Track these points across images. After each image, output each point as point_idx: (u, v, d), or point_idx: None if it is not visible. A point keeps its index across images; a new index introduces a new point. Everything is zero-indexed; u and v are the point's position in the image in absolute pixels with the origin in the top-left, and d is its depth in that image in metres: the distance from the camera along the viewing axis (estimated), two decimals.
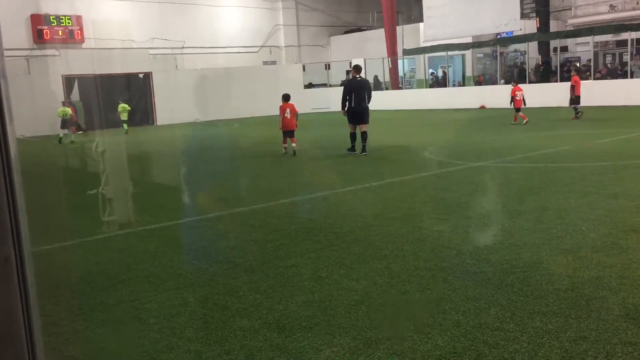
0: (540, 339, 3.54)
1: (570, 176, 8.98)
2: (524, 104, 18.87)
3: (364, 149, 13.12)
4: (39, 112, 26.20)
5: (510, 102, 19.09)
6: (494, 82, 30.08)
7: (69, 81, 29.02)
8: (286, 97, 14.40)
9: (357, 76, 13.46)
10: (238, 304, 4.45)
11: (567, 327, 3.67)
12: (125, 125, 24.65)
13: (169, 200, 9.51)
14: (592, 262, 4.87)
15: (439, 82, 32.93)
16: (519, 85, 19.84)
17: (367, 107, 13.37)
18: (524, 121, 18.15)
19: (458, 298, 4.27)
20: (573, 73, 20.75)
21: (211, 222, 7.59)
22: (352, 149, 13.36)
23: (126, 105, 25.31)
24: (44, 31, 29.62)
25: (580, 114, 18.92)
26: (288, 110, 14.03)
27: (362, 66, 33.50)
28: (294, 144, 13.97)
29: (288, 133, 14.03)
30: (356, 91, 13.22)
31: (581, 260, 4.93)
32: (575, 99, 19.19)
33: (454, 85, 33.26)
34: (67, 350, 3.88)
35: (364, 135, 13.20)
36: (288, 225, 6.97)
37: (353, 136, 13.36)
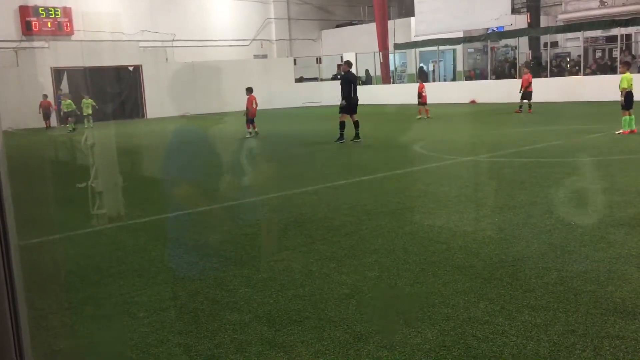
0: (529, 333, 3.56)
1: (560, 171, 9.02)
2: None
3: (358, 136, 14.14)
4: (27, 104, 25.99)
5: (418, 98, 20.81)
6: (485, 77, 30.15)
7: (58, 73, 28.79)
8: (251, 90, 17.30)
9: (350, 70, 14.80)
10: (228, 297, 4.45)
11: (556, 321, 3.70)
12: (86, 121, 24.69)
13: (159, 193, 9.46)
14: (581, 257, 4.90)
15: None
16: (424, 83, 22.45)
17: None
18: (427, 116, 20.24)
19: (448, 292, 4.29)
20: (526, 70, 21.77)
21: (201, 216, 7.57)
22: (342, 137, 14.17)
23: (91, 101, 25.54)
24: (33, 23, 29.34)
25: (520, 108, 20.33)
26: (254, 101, 17.24)
27: (354, 60, 33.72)
28: (256, 129, 17.27)
29: (252, 120, 17.08)
30: (354, 83, 14.51)
31: (570, 255, 4.96)
32: (526, 94, 20.45)
33: (444, 80, 33.28)
34: (55, 344, 3.87)
35: (357, 123, 14.20)
36: (280, 219, 6.97)
37: (343, 125, 14.24)
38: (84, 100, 24.66)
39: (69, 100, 24.21)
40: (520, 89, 20.43)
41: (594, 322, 3.65)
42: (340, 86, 14.58)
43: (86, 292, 4.77)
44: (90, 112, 24.63)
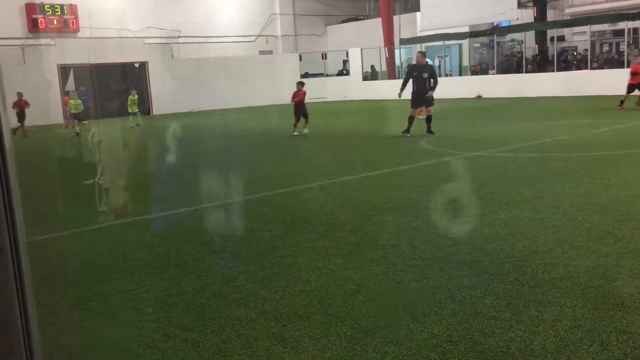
0: (535, 328, 3.56)
1: (566, 166, 8.99)
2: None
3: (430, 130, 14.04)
4: (34, 101, 26.02)
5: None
6: (492, 72, 30.03)
7: (64, 71, 28.86)
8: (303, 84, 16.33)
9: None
10: (235, 293, 4.46)
11: (563, 316, 3.69)
12: (131, 118, 23.63)
13: (166, 190, 9.49)
14: (588, 251, 4.88)
15: None
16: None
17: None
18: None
19: (454, 287, 4.29)
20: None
21: (207, 212, 7.59)
22: (408, 131, 14.00)
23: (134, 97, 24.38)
24: (39, 20, 29.40)
25: (622, 103, 17.53)
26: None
27: (359, 56, 33.36)
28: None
29: (303, 115, 15.71)
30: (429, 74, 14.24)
31: (577, 250, 4.95)
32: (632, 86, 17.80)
33: (450, 75, 33.17)
34: (63, 340, 3.89)
35: (430, 118, 14.06)
36: (284, 215, 6.98)
37: (413, 120, 14.12)
38: (130, 97, 23.82)
39: (79, 100, 22.67)
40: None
41: (601, 317, 3.64)
42: (418, 80, 13.98)
43: (93, 288, 4.80)
44: (136, 109, 23.71)
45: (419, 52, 15.01)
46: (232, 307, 4.18)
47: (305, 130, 15.50)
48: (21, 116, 21.94)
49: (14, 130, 21.72)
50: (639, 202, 6.47)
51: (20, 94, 22.30)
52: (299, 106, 15.54)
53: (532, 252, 4.97)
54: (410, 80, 14.15)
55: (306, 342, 3.57)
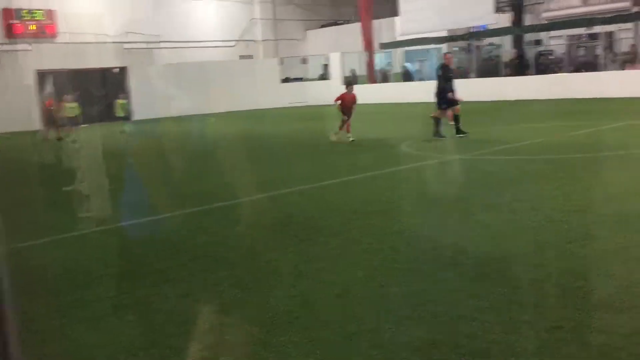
0: (517, 329, 3.59)
1: (545, 168, 9.10)
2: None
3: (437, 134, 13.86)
4: (11, 107, 25.71)
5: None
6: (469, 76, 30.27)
7: (42, 76, 28.53)
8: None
9: None
10: (218, 299, 4.44)
11: (543, 317, 3.73)
12: (124, 123, 23.06)
13: (147, 195, 9.42)
14: (567, 253, 4.94)
15: (407, 76, 32.35)
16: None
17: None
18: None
19: (436, 290, 4.31)
20: None
21: (189, 218, 7.55)
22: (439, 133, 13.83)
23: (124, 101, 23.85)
24: (16, 25, 29.04)
25: None
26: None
27: (338, 60, 33.14)
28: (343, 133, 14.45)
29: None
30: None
31: (556, 251, 5.01)
32: None
33: (429, 79, 33.34)
34: (44, 348, 3.85)
35: (455, 118, 13.94)
36: (267, 219, 6.97)
37: (439, 122, 13.98)
38: (118, 101, 23.41)
39: (74, 104, 21.47)
40: None
41: (581, 317, 3.69)
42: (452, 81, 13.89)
43: (75, 295, 4.75)
44: (123, 114, 23.14)
45: (449, 53, 15.05)
46: (215, 313, 4.17)
47: (351, 138, 14.05)
48: (50, 119, 21.31)
49: (45, 136, 21.19)
50: (616, 203, 6.56)
51: (50, 94, 21.81)
52: (347, 109, 14.26)
53: (512, 254, 5.02)
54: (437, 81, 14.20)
55: (290, 348, 3.57)
